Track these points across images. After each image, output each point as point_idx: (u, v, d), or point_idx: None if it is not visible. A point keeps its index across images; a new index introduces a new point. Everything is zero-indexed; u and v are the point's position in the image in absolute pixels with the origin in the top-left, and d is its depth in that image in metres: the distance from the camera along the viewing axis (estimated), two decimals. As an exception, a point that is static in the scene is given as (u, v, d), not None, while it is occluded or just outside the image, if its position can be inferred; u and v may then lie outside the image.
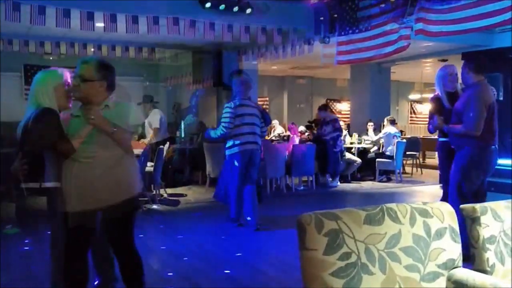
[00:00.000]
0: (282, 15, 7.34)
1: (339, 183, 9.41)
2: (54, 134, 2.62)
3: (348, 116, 15.19)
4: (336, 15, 7.10)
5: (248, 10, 6.82)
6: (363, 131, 11.79)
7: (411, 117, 18.59)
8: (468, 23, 5.31)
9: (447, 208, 1.80)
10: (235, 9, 6.69)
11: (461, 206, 1.90)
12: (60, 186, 2.70)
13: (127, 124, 2.77)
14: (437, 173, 11.06)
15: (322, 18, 7.00)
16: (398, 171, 10.07)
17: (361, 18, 6.80)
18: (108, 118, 2.64)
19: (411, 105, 18.57)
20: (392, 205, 1.73)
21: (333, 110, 16.98)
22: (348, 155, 10.01)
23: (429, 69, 14.19)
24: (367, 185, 9.65)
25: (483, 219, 1.83)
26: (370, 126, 11.23)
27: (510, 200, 1.99)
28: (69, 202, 2.66)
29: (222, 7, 6.61)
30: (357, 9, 6.83)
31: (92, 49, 8.75)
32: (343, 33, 7.15)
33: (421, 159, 12.81)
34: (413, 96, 17.11)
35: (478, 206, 1.85)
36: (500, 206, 1.91)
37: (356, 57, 7.08)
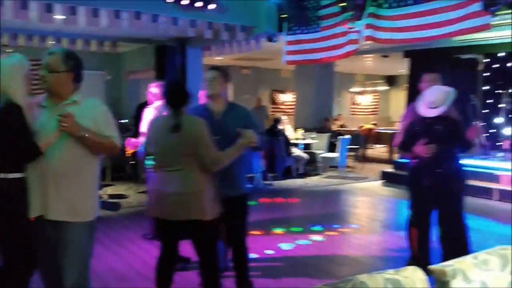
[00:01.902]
0: (244, 12, 7.30)
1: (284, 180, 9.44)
2: (24, 135, 2.57)
3: (293, 107, 15.25)
4: (285, 15, 6.96)
5: (211, 6, 6.64)
6: (307, 125, 11.87)
7: (351, 108, 18.97)
8: (418, 32, 5.30)
9: (419, 276, 1.72)
10: (198, 4, 6.53)
11: (431, 267, 1.83)
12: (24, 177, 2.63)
13: (97, 123, 2.68)
14: (378, 167, 11.41)
15: (285, 16, 6.96)
16: (342, 166, 10.22)
17: (311, 19, 6.69)
18: (77, 116, 2.58)
19: (352, 97, 18.93)
20: (364, 278, 1.62)
21: (277, 101, 17.00)
22: (295, 151, 10.03)
23: (370, 62, 14.46)
24: (311, 181, 9.72)
25: (453, 284, 1.77)
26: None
27: (476, 254, 1.95)
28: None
29: (185, 2, 6.45)
30: (307, 9, 6.71)
31: (51, 42, 8.42)
32: (291, 33, 7.03)
33: (363, 152, 13.07)
34: (355, 88, 17.43)
35: (448, 269, 1.79)
36: (468, 265, 1.86)
37: (304, 58, 6.97)
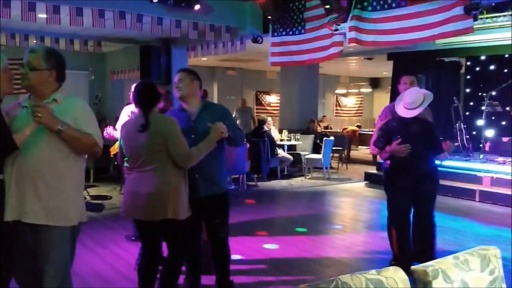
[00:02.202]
0: (230, 13, 7.32)
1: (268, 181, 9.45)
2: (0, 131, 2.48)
3: (277, 109, 15.28)
4: (270, 16, 6.98)
5: (197, 7, 6.65)
6: (292, 127, 11.89)
7: (336, 109, 19.09)
8: (401, 35, 5.36)
9: (400, 275, 1.74)
10: (183, 4, 6.53)
11: (412, 268, 1.85)
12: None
13: (77, 121, 2.60)
14: (362, 168, 11.50)
15: (270, 17, 6.98)
16: (326, 168, 10.25)
17: (296, 20, 6.72)
18: (56, 114, 2.51)
19: (336, 98, 19.05)
20: (347, 278, 1.62)
21: (263, 102, 17.02)
22: (281, 153, 10.05)
23: (354, 65, 14.58)
24: (296, 183, 9.75)
25: (434, 284, 1.78)
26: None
27: (457, 254, 1.97)
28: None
29: (170, 2, 6.45)
30: (292, 11, 6.73)
31: (35, 41, 8.42)
32: (276, 34, 7.05)
33: (346, 154, 13.16)
34: (340, 90, 17.54)
35: (430, 269, 1.80)
36: (449, 265, 1.88)
37: (289, 59, 7.00)
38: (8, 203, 2.55)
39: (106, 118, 11.18)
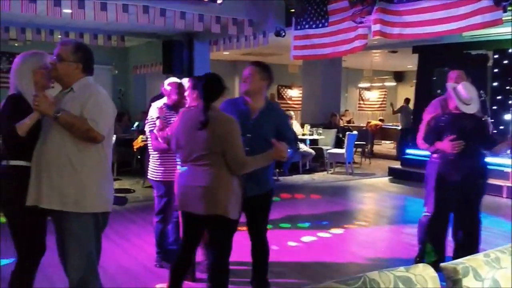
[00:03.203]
0: (253, 6, 7.30)
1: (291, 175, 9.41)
2: (8, 120, 2.70)
3: (299, 102, 15.19)
4: (293, 9, 6.92)
5: (219, 0, 6.64)
6: (314, 121, 11.80)
7: (359, 104, 18.88)
8: (428, 27, 5.24)
9: (430, 273, 1.69)
10: None
11: (442, 265, 1.81)
12: (24, 165, 2.74)
13: (83, 108, 2.65)
14: (385, 163, 11.35)
15: (293, 10, 6.91)
16: (349, 162, 10.16)
17: (319, 13, 6.64)
18: (67, 101, 2.67)
19: (359, 92, 18.85)
20: (375, 275, 1.59)
21: (284, 96, 16.95)
22: (302, 147, 9.99)
23: (378, 58, 14.38)
24: (318, 177, 9.69)
25: (464, 282, 1.74)
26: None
27: (488, 252, 1.92)
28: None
29: None
30: (315, 4, 6.66)
31: (59, 36, 8.59)
32: (299, 27, 6.99)
33: (369, 148, 13.02)
34: (363, 84, 17.34)
35: (460, 267, 1.76)
36: (480, 262, 1.83)
37: (312, 53, 6.93)
38: (29, 190, 2.71)
39: (128, 112, 11.32)
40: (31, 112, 2.67)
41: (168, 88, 4.23)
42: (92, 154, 2.72)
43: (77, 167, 2.66)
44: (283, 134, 3.31)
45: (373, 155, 12.86)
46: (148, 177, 4.27)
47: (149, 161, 4.28)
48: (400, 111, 13.30)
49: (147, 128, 4.18)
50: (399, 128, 13.16)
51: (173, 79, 4.32)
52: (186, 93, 3.89)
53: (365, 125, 14.75)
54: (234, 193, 3.03)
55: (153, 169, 4.16)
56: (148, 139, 4.21)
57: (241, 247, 3.66)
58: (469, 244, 4.02)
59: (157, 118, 3.99)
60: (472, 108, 3.90)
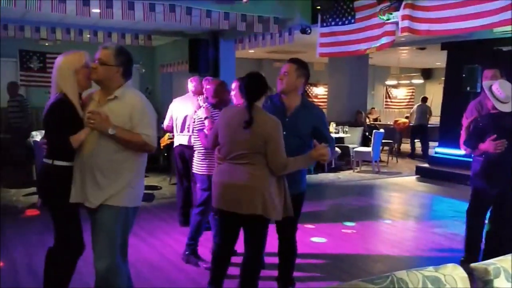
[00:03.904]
0: (278, 4, 7.23)
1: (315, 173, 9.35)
2: (62, 129, 2.78)
3: (325, 100, 15.09)
4: (319, 6, 6.86)
5: None
6: (341, 119, 11.71)
7: (386, 101, 18.64)
8: (457, 23, 5.11)
9: (460, 273, 1.66)
10: None
11: (472, 265, 1.77)
12: (67, 165, 2.85)
13: (132, 119, 2.76)
14: (413, 162, 11.19)
15: (318, 7, 6.87)
16: (375, 161, 10.04)
17: (345, 10, 6.57)
18: (113, 111, 2.75)
19: (386, 90, 18.60)
20: (403, 275, 1.56)
21: (310, 94, 16.86)
22: (327, 145, 9.91)
23: (406, 55, 14.15)
24: (344, 176, 9.61)
25: (496, 283, 1.70)
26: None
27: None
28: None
29: None
30: (341, 1, 6.59)
31: (88, 35, 8.69)
32: (325, 24, 6.93)
33: (396, 147, 12.85)
34: (390, 81, 17.10)
35: (491, 267, 1.71)
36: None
37: (338, 50, 6.85)
38: (73, 188, 2.84)
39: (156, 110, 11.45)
40: (77, 115, 2.79)
41: (207, 87, 4.46)
42: (131, 156, 2.84)
43: (121, 168, 2.80)
44: (321, 132, 3.25)
45: (400, 153, 12.67)
46: (194, 171, 4.39)
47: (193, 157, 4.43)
48: (416, 110, 13.17)
49: (196, 128, 4.25)
50: (411, 124, 13.04)
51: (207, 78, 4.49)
52: (232, 93, 4.03)
53: (392, 123, 14.54)
54: (273, 193, 3.00)
55: (198, 163, 4.30)
56: (195, 138, 4.33)
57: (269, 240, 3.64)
58: (500, 247, 3.95)
59: (205, 118, 4.11)
60: (508, 107, 3.84)
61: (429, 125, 12.76)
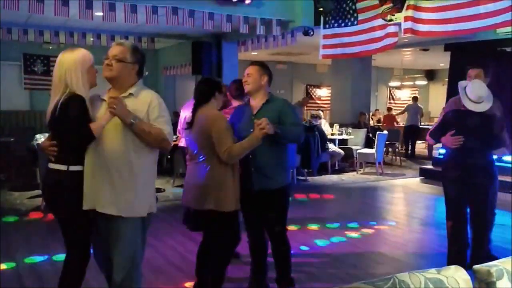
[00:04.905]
0: (281, 6, 7.30)
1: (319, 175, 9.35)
2: (80, 121, 2.65)
3: (328, 102, 15.09)
4: (321, 8, 6.86)
5: (247, 1, 6.71)
6: (344, 121, 11.70)
7: (389, 103, 18.60)
8: (460, 24, 5.11)
9: (462, 275, 1.65)
10: None
11: (475, 267, 1.76)
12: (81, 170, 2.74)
13: (150, 115, 2.70)
14: (417, 163, 11.16)
15: (321, 9, 6.89)
16: (379, 163, 10.02)
17: (348, 12, 6.57)
18: (130, 107, 2.64)
19: (389, 91, 18.57)
20: (405, 277, 1.56)
21: (313, 96, 16.86)
22: (331, 147, 9.92)
23: (409, 56, 14.14)
24: (347, 178, 9.59)
25: (499, 285, 1.69)
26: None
27: (523, 254, 1.86)
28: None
29: None
30: (344, 2, 6.59)
31: (92, 38, 8.76)
32: (327, 26, 6.93)
33: (400, 148, 12.82)
34: (393, 83, 17.08)
35: (494, 269, 1.70)
36: (514, 265, 1.77)
37: (341, 52, 6.85)
38: (85, 193, 2.70)
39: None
40: (87, 112, 2.69)
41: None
42: (150, 159, 2.79)
43: (138, 173, 2.70)
44: (283, 120, 3.32)
45: (407, 155, 12.65)
46: None
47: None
48: (406, 110, 13.21)
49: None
50: (403, 125, 13.14)
51: None
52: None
53: (396, 124, 14.51)
54: (227, 187, 3.19)
55: None
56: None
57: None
58: (477, 243, 3.94)
59: None
60: (482, 107, 3.84)
61: (421, 126, 12.84)
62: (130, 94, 2.73)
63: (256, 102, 3.45)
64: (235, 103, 4.25)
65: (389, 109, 14.71)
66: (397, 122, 13.90)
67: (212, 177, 3.18)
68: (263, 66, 3.50)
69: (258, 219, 3.55)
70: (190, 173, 3.37)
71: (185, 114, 5.41)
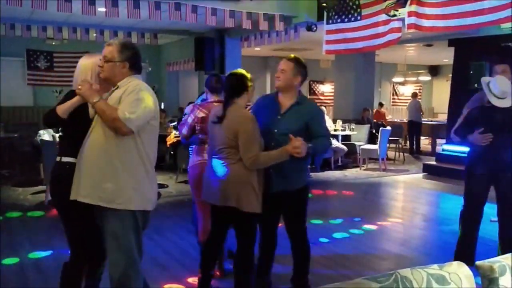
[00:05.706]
0: (284, 1, 7.28)
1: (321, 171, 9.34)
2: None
3: (331, 98, 15.06)
4: (324, 3, 6.84)
5: None
6: (347, 116, 11.68)
7: (393, 98, 18.56)
8: (464, 19, 5.09)
9: (465, 271, 1.64)
10: None
11: (477, 263, 1.75)
12: (73, 161, 2.77)
13: (123, 103, 2.63)
14: (420, 160, 11.13)
15: (324, 4, 6.86)
16: (382, 159, 10.00)
17: (351, 7, 6.55)
18: (112, 97, 2.68)
19: (393, 87, 18.52)
20: (407, 272, 1.55)
21: (316, 91, 16.83)
22: (334, 143, 9.90)
23: (413, 52, 14.08)
24: (350, 174, 9.58)
25: (501, 281, 1.68)
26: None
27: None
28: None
29: None
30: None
31: (95, 34, 8.74)
32: (331, 21, 6.91)
33: (403, 144, 12.79)
34: (397, 78, 17.03)
35: (496, 265, 1.70)
36: (517, 261, 1.76)
37: (344, 47, 6.83)
38: (73, 184, 2.72)
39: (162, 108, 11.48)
40: (87, 110, 2.73)
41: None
42: (131, 152, 2.70)
43: (116, 164, 2.65)
44: (311, 129, 3.23)
45: (406, 149, 12.62)
46: None
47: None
48: (408, 107, 13.28)
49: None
50: (405, 120, 13.15)
51: None
52: None
53: (398, 120, 14.48)
54: (250, 186, 3.09)
55: None
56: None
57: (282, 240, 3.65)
58: (507, 238, 3.93)
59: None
60: (506, 103, 3.82)
61: (423, 122, 12.87)
62: (118, 86, 2.75)
63: (285, 100, 3.29)
64: (212, 98, 3.89)
65: (381, 104, 14.66)
66: (385, 120, 13.84)
67: (236, 176, 3.08)
68: (298, 63, 3.31)
69: (274, 220, 3.49)
70: (211, 168, 3.22)
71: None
